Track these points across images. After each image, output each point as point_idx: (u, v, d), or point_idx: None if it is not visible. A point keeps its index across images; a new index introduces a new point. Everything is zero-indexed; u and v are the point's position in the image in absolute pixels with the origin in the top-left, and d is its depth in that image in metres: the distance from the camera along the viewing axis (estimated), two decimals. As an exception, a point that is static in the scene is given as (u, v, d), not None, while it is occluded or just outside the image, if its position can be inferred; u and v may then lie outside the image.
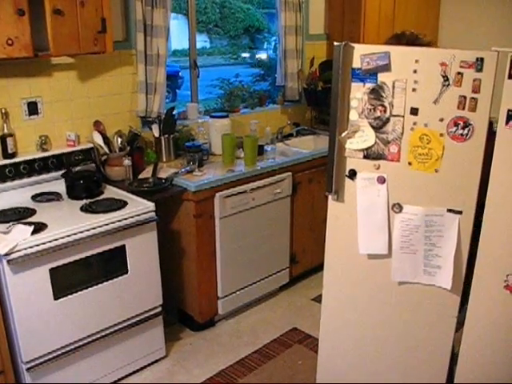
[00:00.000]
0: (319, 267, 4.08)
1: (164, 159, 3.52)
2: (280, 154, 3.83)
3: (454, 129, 1.98)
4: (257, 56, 5.23)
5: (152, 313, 3.01)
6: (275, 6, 4.19)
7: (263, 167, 3.46)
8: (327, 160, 2.26)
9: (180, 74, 6.62)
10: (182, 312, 3.50)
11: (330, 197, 2.34)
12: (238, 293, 3.53)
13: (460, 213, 2.06)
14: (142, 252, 2.89)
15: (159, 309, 3.05)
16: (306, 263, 3.99)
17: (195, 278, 3.29)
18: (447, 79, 1.95)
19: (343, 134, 2.20)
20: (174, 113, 3.58)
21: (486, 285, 2.06)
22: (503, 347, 2.10)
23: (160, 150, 3.52)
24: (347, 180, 2.28)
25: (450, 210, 2.08)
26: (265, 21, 7.36)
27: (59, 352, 2.65)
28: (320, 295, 3.79)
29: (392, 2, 4.33)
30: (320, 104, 4.40)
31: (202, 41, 7.70)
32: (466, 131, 1.96)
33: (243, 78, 4.84)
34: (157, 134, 3.50)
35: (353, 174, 2.25)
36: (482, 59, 1.88)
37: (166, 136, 3.50)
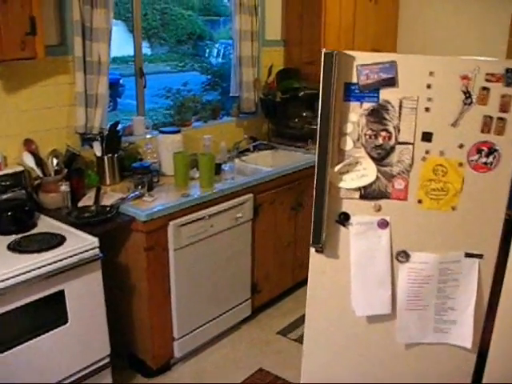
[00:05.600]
0: (282, 294, 3.80)
1: (108, 182, 3.11)
2: (237, 172, 3.49)
3: (477, 156, 1.66)
4: (205, 63, 4.87)
5: (99, 365, 2.59)
6: (229, 9, 3.85)
7: (222, 189, 3.08)
8: (314, 203, 1.85)
9: (121, 81, 6.28)
10: (133, 356, 3.07)
11: (312, 249, 1.95)
12: (196, 331, 3.14)
13: (480, 256, 1.75)
14: (85, 297, 2.47)
15: (107, 359, 2.63)
16: (268, 291, 3.66)
17: (147, 318, 2.89)
18: (469, 96, 1.62)
19: (335, 169, 1.83)
20: (118, 128, 3.17)
21: (509, 340, 1.75)
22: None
23: (103, 171, 3.11)
24: (337, 226, 1.91)
25: (468, 255, 1.77)
26: (207, 28, 7.17)
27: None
28: (285, 328, 3.52)
29: (353, 4, 4.09)
30: (278, 116, 4.10)
31: (143, 47, 7.38)
32: (490, 159, 1.64)
33: (192, 86, 4.46)
34: (99, 154, 3.10)
35: (345, 219, 1.88)
36: (512, 70, 1.57)
37: (110, 155, 3.10)
